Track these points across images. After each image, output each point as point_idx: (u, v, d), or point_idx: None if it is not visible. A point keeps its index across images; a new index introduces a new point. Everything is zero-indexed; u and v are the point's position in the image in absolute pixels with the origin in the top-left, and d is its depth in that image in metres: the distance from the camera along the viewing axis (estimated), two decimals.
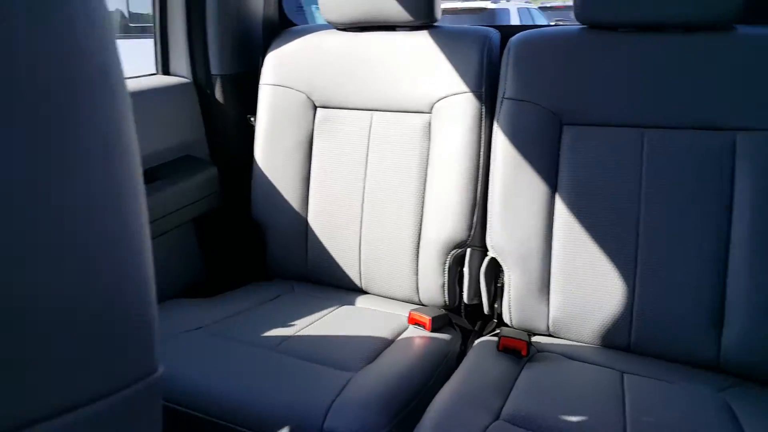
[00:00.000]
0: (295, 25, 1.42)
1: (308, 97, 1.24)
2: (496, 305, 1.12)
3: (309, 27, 1.33)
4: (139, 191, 0.27)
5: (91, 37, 0.26)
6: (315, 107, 1.24)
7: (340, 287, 1.25)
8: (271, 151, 1.26)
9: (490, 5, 5.89)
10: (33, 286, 0.22)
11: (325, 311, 1.14)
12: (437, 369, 0.98)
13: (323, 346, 0.99)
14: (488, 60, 1.11)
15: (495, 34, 1.15)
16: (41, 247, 0.22)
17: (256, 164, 1.27)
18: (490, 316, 1.15)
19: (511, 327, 1.08)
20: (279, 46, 1.28)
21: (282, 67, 1.26)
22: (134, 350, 0.26)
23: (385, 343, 1.02)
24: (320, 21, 1.50)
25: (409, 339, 1.05)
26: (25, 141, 0.22)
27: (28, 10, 0.23)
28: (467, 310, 1.19)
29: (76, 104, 0.25)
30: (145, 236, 0.27)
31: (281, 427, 0.80)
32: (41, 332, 0.22)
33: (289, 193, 1.25)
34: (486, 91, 1.11)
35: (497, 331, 1.08)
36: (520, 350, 0.99)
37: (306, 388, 0.86)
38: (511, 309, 1.06)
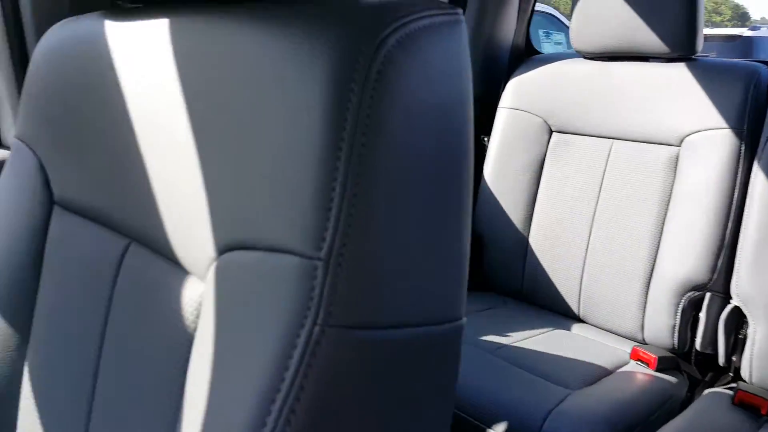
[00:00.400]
0: (539, 53, 1.48)
1: (545, 122, 1.29)
2: (733, 358, 1.03)
3: (553, 55, 1.37)
4: (470, 189, 0.37)
5: (457, 60, 0.35)
6: (551, 131, 1.28)
7: (555, 311, 1.26)
8: (500, 171, 1.33)
9: (746, 32, 5.22)
10: (423, 248, 0.35)
11: (540, 330, 1.16)
12: (660, 407, 0.95)
13: (540, 360, 1.02)
14: (754, 97, 1.04)
15: (765, 70, 1.07)
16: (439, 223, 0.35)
17: (484, 181, 1.35)
18: (724, 369, 1.06)
19: (750, 384, 0.98)
20: (522, 72, 1.34)
21: (522, 92, 1.32)
22: (453, 299, 0.37)
23: (605, 372, 1.02)
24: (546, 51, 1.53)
25: (632, 373, 1.02)
26: (425, 149, 0.33)
27: None
28: (697, 358, 1.11)
29: (455, 121, 0.34)
30: (469, 219, 0.38)
31: (501, 421, 0.86)
32: (409, 270, 0.34)
33: (513, 212, 1.30)
34: (748, 128, 1.04)
35: (732, 385, 0.99)
36: (759, 407, 0.90)
37: (525, 393, 0.90)
38: (752, 364, 0.97)
